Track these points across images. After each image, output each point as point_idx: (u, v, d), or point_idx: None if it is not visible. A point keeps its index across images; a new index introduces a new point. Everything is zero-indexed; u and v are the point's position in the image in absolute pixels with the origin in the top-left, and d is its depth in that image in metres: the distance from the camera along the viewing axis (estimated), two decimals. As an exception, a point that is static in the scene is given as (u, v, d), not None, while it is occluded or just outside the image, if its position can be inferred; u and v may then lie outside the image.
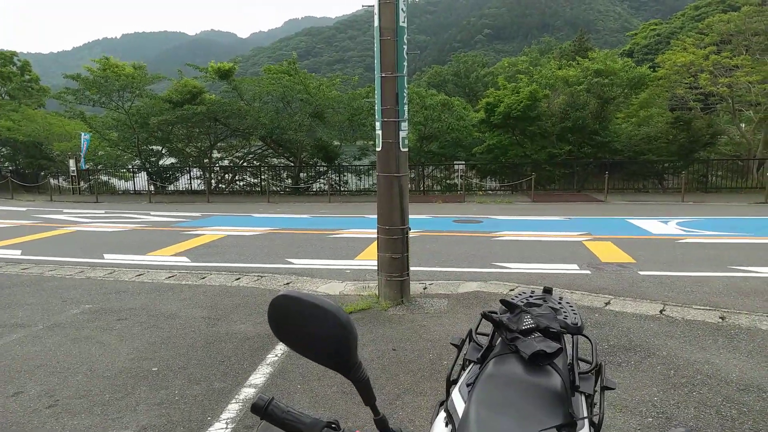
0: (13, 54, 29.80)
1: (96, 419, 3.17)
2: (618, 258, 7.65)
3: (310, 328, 0.94)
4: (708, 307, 5.14)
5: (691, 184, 17.72)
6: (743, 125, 19.93)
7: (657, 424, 3.01)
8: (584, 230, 10.18)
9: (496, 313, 1.52)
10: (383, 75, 5.07)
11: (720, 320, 4.76)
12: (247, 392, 3.51)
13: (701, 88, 18.74)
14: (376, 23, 5.02)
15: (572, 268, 7.09)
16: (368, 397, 1.00)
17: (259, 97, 21.62)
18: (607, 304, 5.33)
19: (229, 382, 3.68)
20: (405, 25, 5.05)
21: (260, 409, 0.93)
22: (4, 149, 27.15)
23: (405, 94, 5.17)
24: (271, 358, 4.10)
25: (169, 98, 20.96)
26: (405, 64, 5.12)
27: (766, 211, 13.17)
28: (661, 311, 5.05)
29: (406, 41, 5.09)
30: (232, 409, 3.29)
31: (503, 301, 1.56)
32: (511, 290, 5.87)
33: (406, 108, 5.20)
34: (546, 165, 19.60)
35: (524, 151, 20.65)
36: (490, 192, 20.28)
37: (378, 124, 5.20)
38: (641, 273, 6.71)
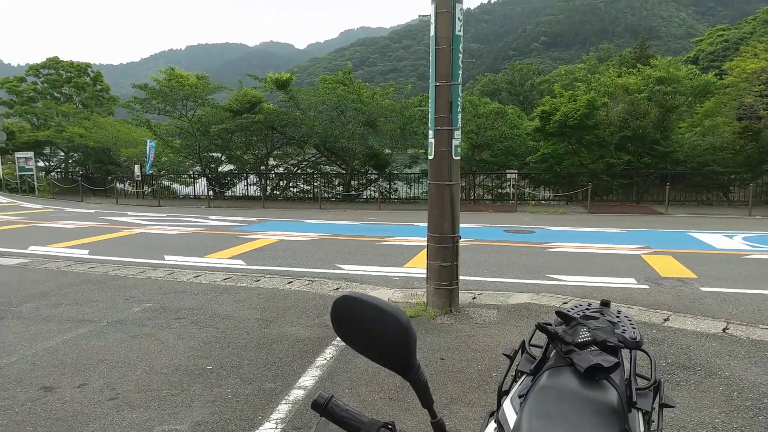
0: (87, 65, 31.76)
1: (153, 413, 3.32)
2: (678, 273, 7.33)
3: (370, 329, 0.97)
4: (777, 328, 4.85)
5: (759, 197, 16.73)
6: (820, 135, 18.66)
7: (718, 447, 2.86)
8: (643, 243, 9.80)
9: (550, 324, 1.49)
10: (437, 84, 5.09)
11: (790, 342, 4.48)
12: (297, 394, 3.58)
13: (773, 97, 17.70)
14: (432, 33, 5.06)
15: (629, 282, 6.85)
16: (426, 400, 1.01)
17: (314, 107, 22.11)
18: (665, 320, 5.12)
19: (279, 383, 3.77)
20: (461, 34, 5.06)
21: (320, 406, 0.96)
22: (75, 154, 28.93)
23: (459, 103, 5.17)
24: (320, 361, 4.17)
25: (229, 107, 21.75)
26: (460, 72, 5.12)
27: None
28: (724, 329, 4.80)
29: (461, 50, 5.09)
30: (282, 409, 3.36)
31: (559, 313, 1.53)
32: (564, 303, 5.72)
33: (459, 116, 5.20)
34: (603, 175, 19.02)
35: (580, 160, 20.12)
36: (543, 202, 19.85)
37: (431, 133, 5.22)
38: (703, 289, 6.40)
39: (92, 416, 3.29)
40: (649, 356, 1.53)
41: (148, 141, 22.51)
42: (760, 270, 7.52)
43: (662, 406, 1.39)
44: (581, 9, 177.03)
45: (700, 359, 4.12)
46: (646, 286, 6.63)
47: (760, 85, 17.77)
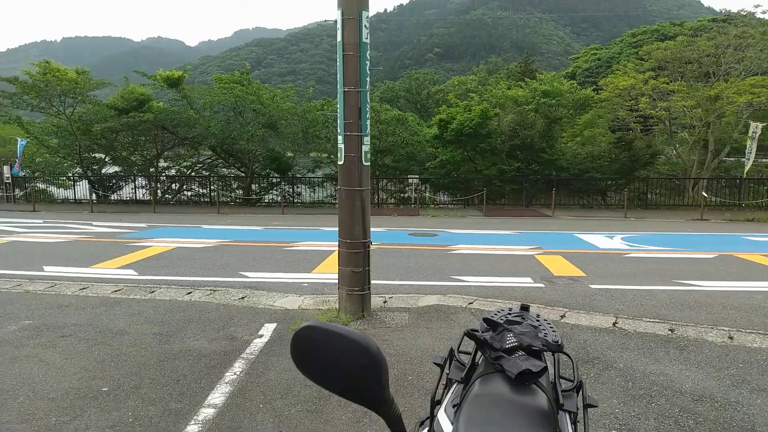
0: (-58, 53, 28.00)
1: (41, 445, 2.94)
2: (569, 272, 7.87)
3: (338, 361, 0.89)
4: (657, 320, 5.34)
5: (632, 201, 18.55)
6: (679, 146, 21.13)
7: (620, 435, 3.07)
8: (535, 244, 10.43)
9: (478, 331, 1.50)
10: (346, 90, 5.04)
11: (669, 332, 4.95)
12: (207, 412, 3.35)
13: (641, 111, 19.74)
14: (339, 38, 5.01)
15: (526, 282, 7.23)
16: None
17: (210, 106, 21.20)
18: (562, 317, 5.45)
19: (186, 402, 3.50)
20: (368, 41, 5.05)
21: None
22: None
23: (368, 109, 5.16)
24: (229, 376, 3.94)
25: (114, 105, 20.21)
26: (368, 79, 5.11)
27: (703, 227, 13.92)
28: (614, 324, 5.20)
29: (368, 57, 5.09)
30: (191, 430, 3.12)
31: (485, 320, 1.54)
32: (470, 303, 5.91)
33: (368, 123, 5.19)
34: (496, 180, 20.09)
35: (476, 166, 21.10)
36: (443, 206, 20.55)
37: (340, 138, 5.16)
38: (592, 286, 6.92)
39: (-37, 455, 2.85)
40: (570, 358, 1.58)
41: (19, 139, 20.30)
42: (639, 267, 8.28)
43: (586, 406, 1.44)
44: (471, 24, 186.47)
45: (596, 353, 4.42)
46: (541, 285, 7.04)
47: (630, 101, 19.73)
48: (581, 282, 7.19)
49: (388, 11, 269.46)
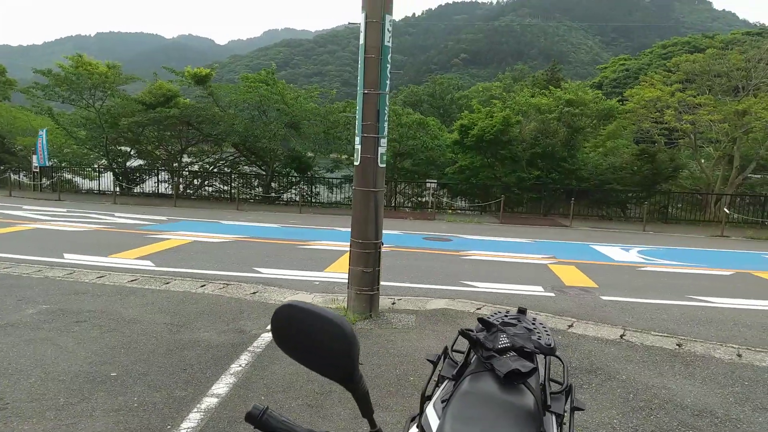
0: (-20, 44, 28.87)
1: (49, 424, 3.06)
2: (581, 282, 7.82)
3: (313, 339, 0.95)
4: (666, 334, 5.29)
5: (652, 214, 18.28)
6: (704, 161, 20.77)
7: (615, 445, 3.07)
8: (549, 253, 10.38)
9: (472, 331, 1.54)
10: (365, 92, 5.12)
11: (677, 347, 4.91)
12: (210, 402, 3.44)
13: (666, 124, 19.46)
14: (362, 41, 5.09)
15: (537, 290, 7.22)
16: (366, 410, 1.00)
17: (235, 104, 21.50)
18: (570, 326, 5.44)
19: (190, 390, 3.60)
20: (390, 44, 5.13)
21: (255, 418, 0.92)
22: (-38, 141, 26.19)
23: (386, 112, 5.23)
24: (234, 368, 4.03)
25: (142, 100, 20.63)
26: (388, 82, 5.18)
27: (722, 244, 13.67)
28: (621, 336, 5.17)
29: (389, 60, 5.16)
30: (193, 418, 3.21)
31: (480, 320, 1.58)
32: (478, 309, 5.93)
33: (386, 125, 5.26)
34: (515, 188, 19.97)
35: (495, 173, 21.00)
36: (459, 211, 20.52)
37: (357, 139, 5.24)
38: (603, 298, 6.87)
39: (-25, 429, 2.97)
40: (562, 362, 1.61)
41: (40, 130, 20.81)
42: (653, 281, 8.19)
43: (573, 409, 1.47)
44: (499, 30, 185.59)
45: (600, 363, 4.41)
46: (552, 294, 7.01)
47: (655, 113, 19.46)
48: (592, 293, 7.15)
49: (416, 15, 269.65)
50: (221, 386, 3.69)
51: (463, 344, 1.57)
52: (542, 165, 20.30)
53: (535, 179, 20.03)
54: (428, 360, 1.62)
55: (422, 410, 1.42)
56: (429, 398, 1.48)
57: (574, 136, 20.59)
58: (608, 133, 21.59)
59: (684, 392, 3.88)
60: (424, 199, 21.00)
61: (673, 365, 4.45)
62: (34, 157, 21.08)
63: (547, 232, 14.68)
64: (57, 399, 3.37)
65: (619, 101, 22.22)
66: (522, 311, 1.69)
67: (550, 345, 1.48)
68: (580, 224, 16.95)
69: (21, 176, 23.42)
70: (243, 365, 4.08)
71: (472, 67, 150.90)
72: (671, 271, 9.31)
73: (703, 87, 19.61)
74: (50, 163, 21.44)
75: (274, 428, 0.92)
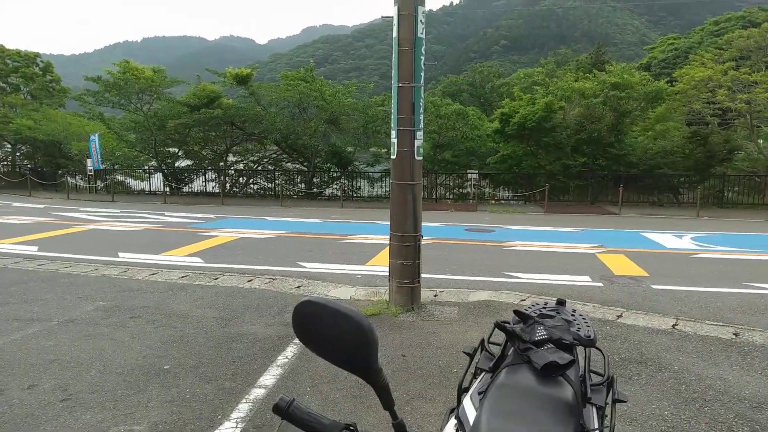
0: (36, 55, 30.38)
1: (108, 414, 3.22)
2: (631, 271, 7.59)
3: (332, 333, 0.97)
4: (722, 323, 5.09)
5: (706, 199, 17.52)
6: (761, 141, 19.70)
7: (667, 438, 2.98)
8: (597, 242, 10.11)
9: (509, 323, 1.53)
10: (400, 84, 5.11)
11: (734, 336, 4.71)
12: (257, 393, 3.54)
13: (719, 104, 18.54)
14: (395, 34, 5.08)
15: (584, 280, 7.05)
16: (387, 402, 1.01)
17: (276, 103, 21.85)
18: (619, 317, 5.30)
19: (239, 382, 3.71)
20: (423, 36, 5.10)
21: (282, 409, 0.94)
22: (23, 147, 27.64)
23: (421, 104, 5.21)
24: (281, 360, 4.13)
25: (187, 102, 21.25)
26: (422, 74, 5.16)
27: (784, 228, 12.98)
28: (673, 326, 5.00)
29: (423, 52, 5.13)
30: (242, 408, 3.31)
31: (516, 312, 1.57)
32: (522, 300, 5.85)
33: (421, 117, 5.24)
34: (560, 176, 19.53)
35: (538, 161, 20.59)
36: (502, 202, 20.24)
37: (393, 133, 5.24)
38: (654, 287, 6.65)
39: (43, 418, 3.16)
40: (602, 353, 1.58)
41: (91, 135, 21.73)
42: (707, 269, 7.87)
43: (615, 401, 1.44)
44: (540, 14, 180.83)
45: (651, 354, 4.28)
46: (600, 284, 6.84)
47: (707, 93, 18.57)
48: (643, 282, 6.93)
49: (454, 4, 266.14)
50: (268, 378, 3.79)
51: (501, 337, 1.56)
52: (588, 151, 19.75)
53: (580, 166, 19.52)
54: (464, 352, 1.63)
55: (459, 402, 1.42)
56: (466, 390, 1.48)
57: (620, 121, 19.91)
58: (657, 116, 20.74)
59: (741, 383, 3.73)
60: (465, 191, 20.81)
61: (729, 355, 4.27)
62: (89, 161, 22.06)
63: (594, 221, 14.30)
64: (115, 390, 3.54)
65: (668, 82, 21.30)
66: (561, 302, 1.67)
67: (589, 336, 1.45)
68: (630, 211, 16.43)
69: (77, 179, 24.56)
70: (289, 357, 4.17)
71: (513, 54, 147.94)
72: (727, 257, 8.92)
73: (759, 63, 18.59)
74: (103, 166, 22.37)
75: (300, 419, 0.95)
